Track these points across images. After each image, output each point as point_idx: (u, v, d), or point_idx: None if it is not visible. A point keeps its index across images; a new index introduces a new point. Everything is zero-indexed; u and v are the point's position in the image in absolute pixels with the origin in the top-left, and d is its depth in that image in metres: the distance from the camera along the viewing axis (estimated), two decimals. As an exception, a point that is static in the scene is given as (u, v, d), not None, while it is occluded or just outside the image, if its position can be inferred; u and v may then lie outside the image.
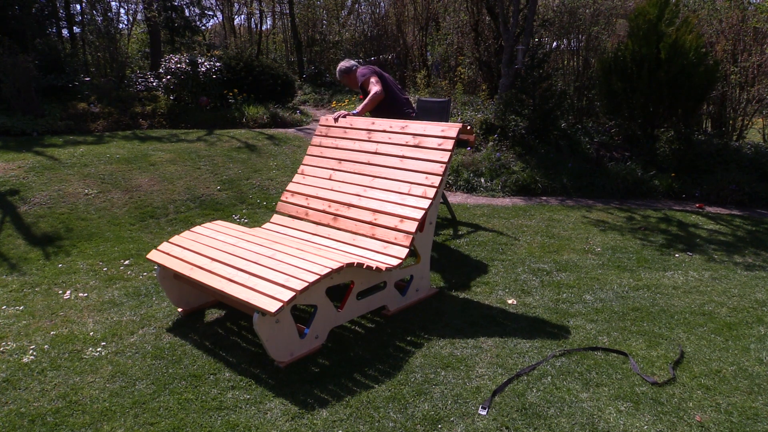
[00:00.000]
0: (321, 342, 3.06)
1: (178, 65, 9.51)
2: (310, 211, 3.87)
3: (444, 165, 3.45)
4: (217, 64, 9.99)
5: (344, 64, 4.91)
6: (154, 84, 10.35)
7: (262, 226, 4.02)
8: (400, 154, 3.67)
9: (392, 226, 3.41)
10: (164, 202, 5.68)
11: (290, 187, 4.09)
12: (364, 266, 3.05)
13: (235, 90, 10.05)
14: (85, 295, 3.78)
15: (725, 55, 7.65)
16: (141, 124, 8.71)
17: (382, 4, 15.90)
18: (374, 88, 4.67)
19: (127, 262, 4.36)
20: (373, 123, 3.93)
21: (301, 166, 4.15)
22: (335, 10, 17.29)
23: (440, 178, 3.42)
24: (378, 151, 3.79)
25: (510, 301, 3.65)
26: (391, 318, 3.44)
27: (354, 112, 4.44)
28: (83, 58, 11.49)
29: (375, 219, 3.52)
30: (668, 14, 6.74)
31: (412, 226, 3.34)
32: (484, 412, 2.50)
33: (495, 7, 8.98)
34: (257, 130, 8.86)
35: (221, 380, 2.77)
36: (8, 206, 5.19)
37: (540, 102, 7.41)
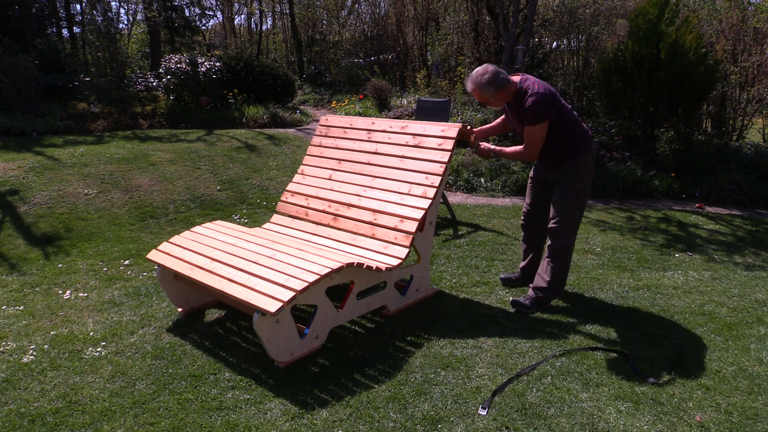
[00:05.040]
0: (321, 342, 3.06)
1: (178, 65, 9.51)
2: (310, 211, 3.87)
3: (444, 165, 3.44)
4: (217, 64, 9.99)
5: (489, 71, 3.22)
6: (154, 84, 10.36)
7: (262, 226, 4.02)
8: (400, 154, 3.67)
9: (392, 226, 3.41)
10: (164, 202, 5.68)
11: (290, 187, 4.09)
12: (364, 266, 3.05)
13: (235, 90, 10.06)
14: (85, 295, 3.78)
15: (725, 55, 7.65)
16: (141, 124, 8.71)
17: (382, 4, 15.91)
18: (534, 144, 3.29)
19: (127, 262, 4.36)
20: (373, 123, 3.93)
21: (301, 166, 4.15)
22: (335, 10, 17.30)
23: (440, 178, 3.42)
24: (378, 151, 3.79)
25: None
26: (391, 318, 3.44)
27: (495, 148, 3.47)
28: (83, 58, 11.50)
29: (375, 219, 3.52)
30: (668, 14, 6.74)
31: (412, 226, 3.34)
32: (484, 412, 2.50)
33: (495, 7, 8.97)
34: (257, 130, 8.86)
35: (221, 380, 2.77)
36: (8, 206, 5.19)
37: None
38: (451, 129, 3.51)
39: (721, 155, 6.77)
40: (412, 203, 3.43)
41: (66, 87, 9.18)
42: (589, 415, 2.49)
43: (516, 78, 3.31)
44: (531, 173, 3.71)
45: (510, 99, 3.32)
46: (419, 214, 3.36)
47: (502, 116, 3.67)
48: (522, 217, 3.78)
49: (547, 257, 3.48)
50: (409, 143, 3.66)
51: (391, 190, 3.58)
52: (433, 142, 3.55)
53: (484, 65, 3.27)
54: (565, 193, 3.38)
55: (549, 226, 3.45)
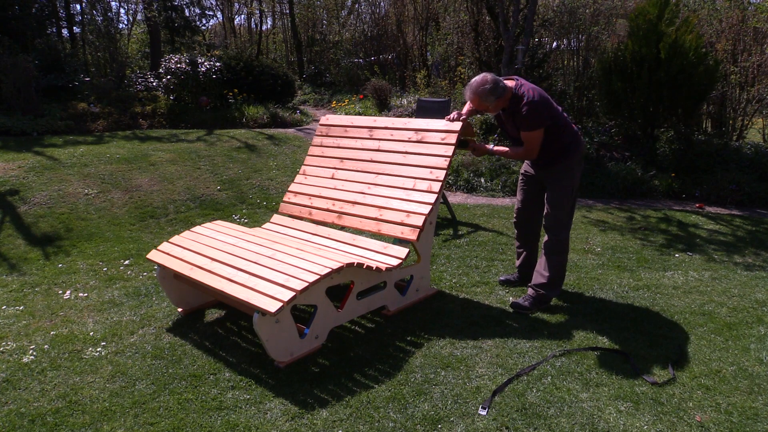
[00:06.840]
0: (321, 342, 3.06)
1: (178, 65, 9.51)
2: (314, 211, 3.86)
3: (448, 159, 3.44)
4: (217, 64, 9.99)
5: (488, 81, 3.20)
6: (154, 84, 10.36)
7: (262, 226, 4.02)
8: (403, 150, 3.67)
9: (398, 221, 3.41)
10: (164, 202, 5.68)
11: (292, 187, 4.09)
12: (364, 266, 3.05)
13: (235, 90, 10.06)
14: (85, 295, 3.78)
15: (725, 55, 7.65)
16: (141, 124, 8.71)
17: (382, 4, 15.90)
18: (533, 148, 3.34)
19: (127, 262, 4.36)
20: (375, 120, 3.93)
21: (303, 167, 4.15)
22: (335, 10, 17.31)
23: (445, 171, 3.42)
24: (380, 148, 3.79)
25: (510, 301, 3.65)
26: (391, 318, 3.44)
27: (491, 147, 3.51)
28: (83, 58, 11.49)
29: (380, 215, 3.51)
30: (668, 14, 6.74)
31: (419, 220, 3.33)
32: (484, 412, 2.50)
33: (495, 7, 8.97)
34: (257, 130, 8.86)
35: (221, 380, 2.77)
36: (8, 206, 5.19)
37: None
38: (455, 123, 3.52)
39: (721, 155, 6.76)
40: (418, 198, 3.43)
41: (66, 87, 9.18)
42: (589, 415, 2.49)
43: (510, 83, 3.31)
44: (521, 171, 3.75)
45: (506, 105, 3.33)
46: (426, 209, 3.36)
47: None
48: (514, 216, 3.83)
49: (544, 254, 3.51)
50: (411, 139, 3.66)
51: (396, 186, 3.58)
52: (437, 137, 3.54)
53: (482, 75, 3.27)
54: (558, 191, 3.45)
55: (545, 223, 3.52)
